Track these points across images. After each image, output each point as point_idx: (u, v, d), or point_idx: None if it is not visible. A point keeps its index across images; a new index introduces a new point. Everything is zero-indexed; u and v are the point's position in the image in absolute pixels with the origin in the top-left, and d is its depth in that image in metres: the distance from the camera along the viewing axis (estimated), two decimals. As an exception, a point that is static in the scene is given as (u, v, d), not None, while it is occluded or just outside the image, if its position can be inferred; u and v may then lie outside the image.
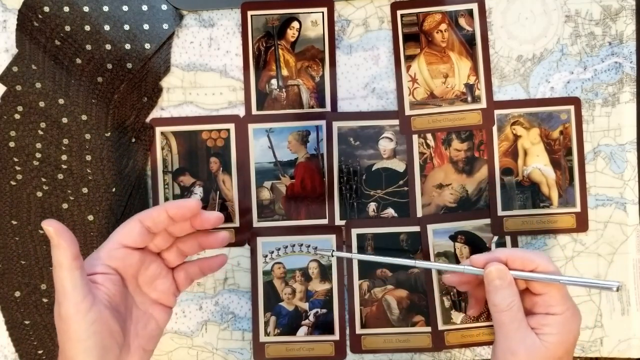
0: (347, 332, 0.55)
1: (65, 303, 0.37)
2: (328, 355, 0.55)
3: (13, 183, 0.55)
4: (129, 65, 0.54)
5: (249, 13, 0.55)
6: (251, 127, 0.56)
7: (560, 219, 0.55)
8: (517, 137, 0.55)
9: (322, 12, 0.55)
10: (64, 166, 0.55)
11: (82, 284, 0.37)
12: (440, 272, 0.55)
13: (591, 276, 0.55)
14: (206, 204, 0.56)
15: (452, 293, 0.55)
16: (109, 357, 0.38)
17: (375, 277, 0.55)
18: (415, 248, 0.55)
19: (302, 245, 0.55)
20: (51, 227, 0.37)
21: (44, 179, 0.55)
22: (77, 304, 0.37)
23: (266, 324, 0.55)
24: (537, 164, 0.55)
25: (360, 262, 0.55)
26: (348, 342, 0.55)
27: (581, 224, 0.55)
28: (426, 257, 0.55)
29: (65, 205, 0.55)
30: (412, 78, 0.55)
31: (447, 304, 0.55)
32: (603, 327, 0.55)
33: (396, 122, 0.55)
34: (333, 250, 0.53)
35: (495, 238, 0.55)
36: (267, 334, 0.55)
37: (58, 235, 0.37)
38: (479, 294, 0.46)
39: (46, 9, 0.53)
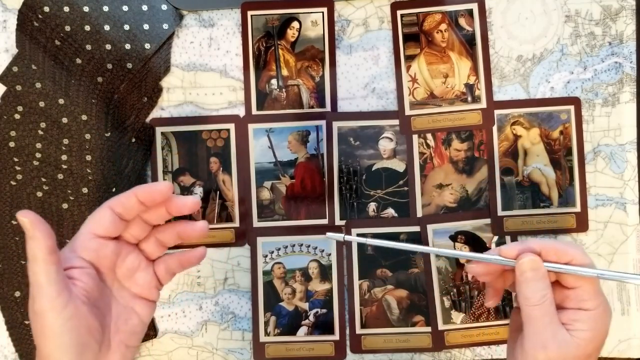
0: (347, 332, 0.55)
1: (39, 299, 0.35)
2: (328, 355, 0.55)
3: (13, 183, 0.55)
4: (129, 65, 0.54)
5: (249, 13, 0.55)
6: (251, 127, 0.56)
7: (560, 219, 0.55)
8: (517, 137, 0.55)
9: (322, 12, 0.55)
10: (64, 166, 0.55)
11: (58, 279, 0.36)
12: (440, 268, 0.55)
13: (591, 276, 0.55)
14: (206, 204, 0.56)
15: (452, 293, 0.55)
16: (87, 354, 0.37)
17: (375, 277, 0.55)
18: (415, 248, 0.55)
19: (302, 245, 0.55)
20: (26, 218, 0.35)
21: (44, 179, 0.55)
22: (52, 300, 0.35)
23: (266, 324, 0.55)
24: (537, 164, 0.55)
25: (360, 262, 0.55)
26: (348, 342, 0.55)
27: (581, 224, 0.55)
28: (426, 257, 0.55)
29: (65, 205, 0.55)
30: (412, 78, 0.55)
31: (447, 304, 0.55)
32: (603, 327, 0.55)
33: (396, 122, 0.55)
34: (345, 235, 0.49)
35: (496, 238, 0.55)
36: (267, 334, 0.55)
37: (33, 227, 0.35)
38: (498, 284, 0.44)
39: (46, 9, 0.53)
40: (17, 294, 0.55)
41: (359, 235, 0.55)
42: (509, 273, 0.42)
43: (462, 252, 0.49)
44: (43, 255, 0.35)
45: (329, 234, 0.44)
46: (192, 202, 0.40)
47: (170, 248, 0.43)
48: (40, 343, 0.36)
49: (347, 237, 0.44)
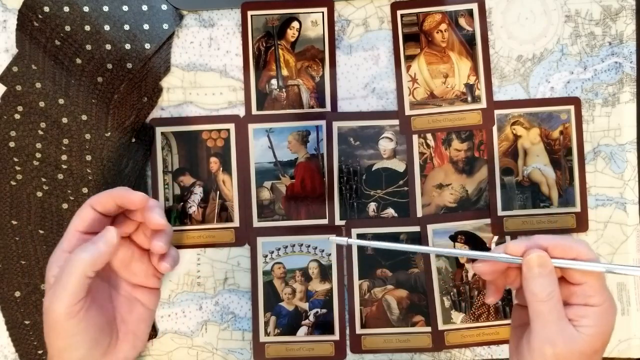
0: (347, 332, 0.55)
1: (58, 300, 0.37)
2: (328, 355, 0.55)
3: (13, 183, 0.55)
4: (129, 65, 0.54)
5: (249, 13, 0.55)
6: (251, 127, 0.56)
7: (560, 219, 0.55)
8: (517, 137, 0.55)
9: (322, 12, 0.55)
10: (64, 166, 0.55)
11: (84, 287, 0.38)
12: (440, 268, 0.55)
13: (591, 276, 0.55)
14: (206, 204, 0.56)
15: (452, 293, 0.55)
16: (98, 348, 0.39)
17: (375, 277, 0.55)
18: (415, 248, 0.55)
19: (302, 245, 0.55)
20: (114, 239, 0.38)
21: (44, 179, 0.55)
22: (70, 306, 0.37)
23: (266, 324, 0.55)
24: (537, 164, 0.55)
25: (360, 262, 0.55)
26: (348, 342, 0.55)
27: (581, 224, 0.55)
28: (426, 257, 0.55)
29: (65, 205, 0.55)
30: (412, 78, 0.55)
31: (447, 304, 0.55)
32: (603, 327, 0.55)
33: (396, 122, 0.55)
34: (348, 238, 0.49)
35: (496, 238, 0.55)
36: (267, 334, 0.55)
37: (108, 248, 0.38)
38: (500, 282, 0.44)
39: (46, 9, 0.53)
40: (17, 294, 0.55)
41: (359, 235, 0.55)
42: (512, 270, 0.42)
43: (468, 251, 0.48)
44: (87, 270, 0.38)
45: (331, 237, 0.44)
46: (157, 222, 0.41)
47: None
48: (52, 340, 0.38)
49: (350, 241, 0.44)
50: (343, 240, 0.43)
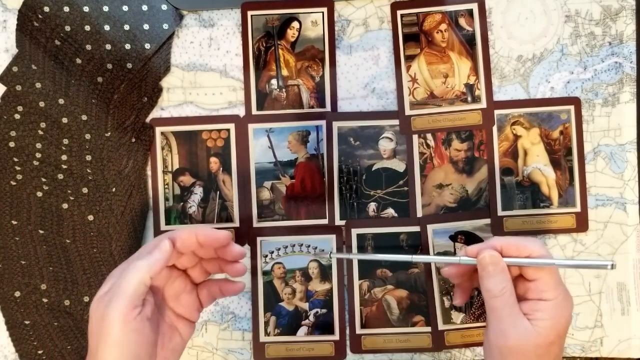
0: (347, 332, 0.55)
1: (116, 305, 0.38)
2: (328, 355, 0.55)
3: (13, 183, 0.55)
4: (129, 65, 0.54)
5: (249, 13, 0.55)
6: (251, 127, 0.56)
7: (560, 219, 0.55)
8: (517, 137, 0.55)
9: (322, 12, 0.55)
10: (64, 166, 0.55)
11: (141, 297, 0.39)
12: (439, 269, 0.55)
13: (592, 276, 0.55)
14: (206, 204, 0.56)
15: (452, 293, 0.55)
16: None
17: (375, 277, 0.55)
18: (415, 248, 0.55)
19: (302, 245, 0.55)
20: (169, 248, 0.40)
21: (44, 179, 0.55)
22: (127, 309, 0.38)
23: (266, 324, 0.55)
24: (537, 164, 0.55)
25: (360, 262, 0.55)
26: (348, 342, 0.55)
27: (581, 224, 0.55)
28: (426, 257, 0.55)
29: (65, 205, 0.55)
30: (412, 78, 0.55)
31: (447, 304, 0.55)
32: (603, 327, 0.55)
33: (396, 122, 0.55)
34: (331, 252, 0.53)
35: (495, 238, 0.55)
36: (267, 334, 0.55)
37: (164, 256, 0.40)
38: (466, 284, 0.47)
39: (46, 9, 0.53)
40: (17, 294, 0.55)
41: (359, 235, 0.55)
42: (477, 273, 0.44)
43: (433, 256, 0.52)
44: (145, 275, 0.39)
45: (316, 253, 0.51)
46: (238, 252, 0.44)
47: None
48: (98, 348, 0.38)
49: (334, 255, 0.52)
50: (325, 255, 0.52)
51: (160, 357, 0.42)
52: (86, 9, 0.54)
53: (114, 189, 0.55)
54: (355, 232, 0.55)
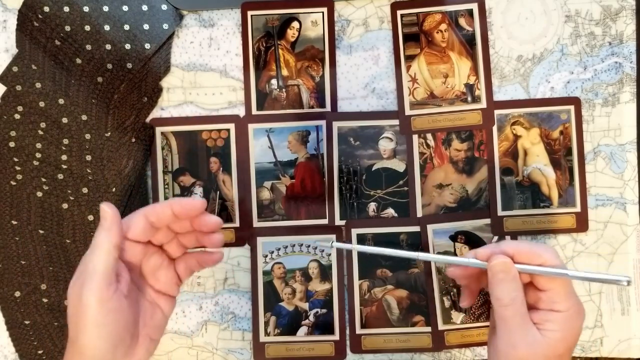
0: (347, 332, 0.55)
1: (90, 285, 0.37)
2: (328, 355, 0.55)
3: (13, 183, 0.55)
4: (129, 65, 0.54)
5: (249, 13, 0.55)
6: (251, 127, 0.56)
7: (560, 219, 0.55)
8: (517, 137, 0.55)
9: (322, 12, 0.55)
10: (64, 166, 0.55)
11: (112, 272, 0.38)
12: (440, 268, 0.55)
13: (591, 276, 0.55)
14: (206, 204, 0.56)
15: (452, 293, 0.55)
16: (120, 347, 0.39)
17: (375, 277, 0.55)
18: (415, 248, 0.55)
19: (302, 245, 0.55)
20: (109, 210, 0.39)
21: (44, 179, 0.55)
22: (101, 290, 0.37)
23: (266, 324, 0.55)
24: (537, 164, 0.55)
25: (360, 262, 0.55)
26: (348, 342, 0.55)
27: (581, 224, 0.55)
28: (426, 257, 0.55)
29: (65, 205, 0.55)
30: (412, 78, 0.55)
31: (447, 304, 0.55)
32: (603, 327, 0.55)
33: (396, 122, 0.55)
34: (333, 241, 0.51)
35: (496, 238, 0.55)
36: (267, 334, 0.55)
37: (112, 221, 0.39)
38: (474, 286, 0.45)
39: (46, 9, 0.53)
40: (17, 294, 0.55)
41: (359, 235, 0.55)
42: (485, 275, 0.43)
43: (440, 256, 0.49)
44: (108, 246, 0.38)
45: (334, 243, 0.48)
46: (214, 222, 0.43)
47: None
48: (77, 333, 0.38)
49: (335, 244, 0.49)
50: (327, 243, 0.49)
51: (143, 334, 0.42)
52: (86, 9, 0.54)
53: (114, 189, 0.55)
54: (355, 232, 0.55)
